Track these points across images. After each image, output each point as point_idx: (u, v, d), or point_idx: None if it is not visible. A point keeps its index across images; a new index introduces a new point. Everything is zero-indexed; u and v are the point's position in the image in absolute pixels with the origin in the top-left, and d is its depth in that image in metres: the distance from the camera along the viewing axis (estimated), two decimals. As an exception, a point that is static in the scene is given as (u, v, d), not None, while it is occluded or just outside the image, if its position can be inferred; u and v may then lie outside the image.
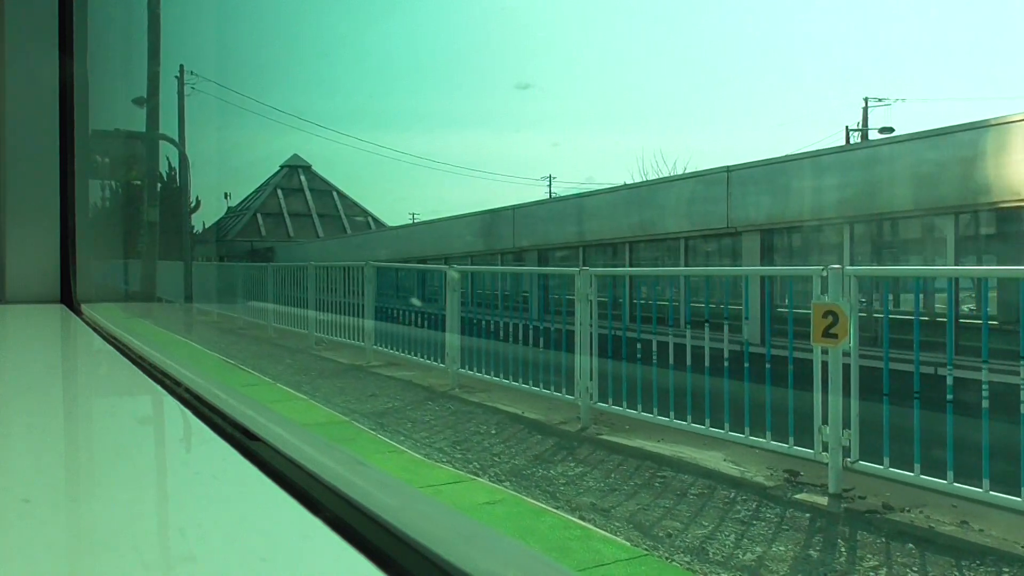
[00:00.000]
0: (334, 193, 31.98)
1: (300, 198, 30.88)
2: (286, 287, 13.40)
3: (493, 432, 5.99)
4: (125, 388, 1.17)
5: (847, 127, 27.28)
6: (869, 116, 27.05)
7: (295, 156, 31.96)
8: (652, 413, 5.69)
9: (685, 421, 5.44)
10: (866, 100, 27.08)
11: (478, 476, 4.90)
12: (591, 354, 6.30)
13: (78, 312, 1.99)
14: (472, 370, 7.64)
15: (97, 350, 1.51)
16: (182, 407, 0.95)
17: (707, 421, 5.29)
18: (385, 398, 7.45)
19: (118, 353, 1.42)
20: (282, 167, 31.49)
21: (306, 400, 7.36)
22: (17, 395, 1.05)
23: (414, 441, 5.76)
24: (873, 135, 25.63)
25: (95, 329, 1.72)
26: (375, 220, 31.61)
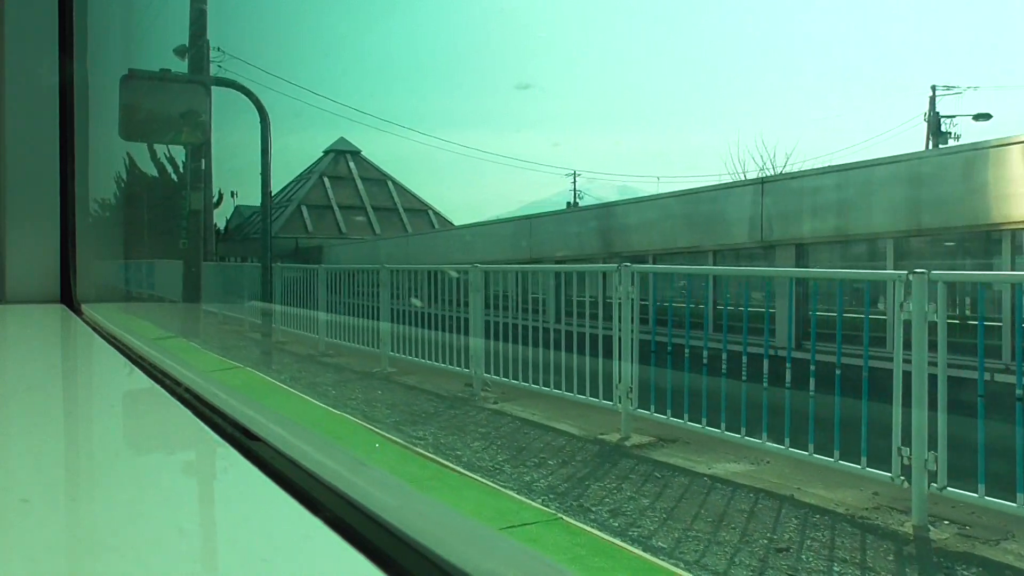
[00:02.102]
0: (389, 183, 27.26)
1: (350, 188, 26.21)
2: (350, 293, 10.83)
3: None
4: (125, 388, 1.17)
5: (929, 116, 23.05)
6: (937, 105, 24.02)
7: (342, 140, 27.24)
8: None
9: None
10: (933, 89, 23.35)
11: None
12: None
13: (78, 312, 1.99)
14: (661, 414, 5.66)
15: (97, 350, 1.51)
16: (182, 407, 0.95)
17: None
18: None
19: (118, 353, 1.42)
20: (327, 152, 27.09)
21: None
22: (17, 395, 1.05)
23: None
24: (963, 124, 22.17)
25: (95, 329, 1.72)
26: (436, 215, 26.90)
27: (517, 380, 6.85)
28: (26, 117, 2.02)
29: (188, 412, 0.92)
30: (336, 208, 25.42)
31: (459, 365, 7.58)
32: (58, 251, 2.07)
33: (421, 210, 26.80)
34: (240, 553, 0.53)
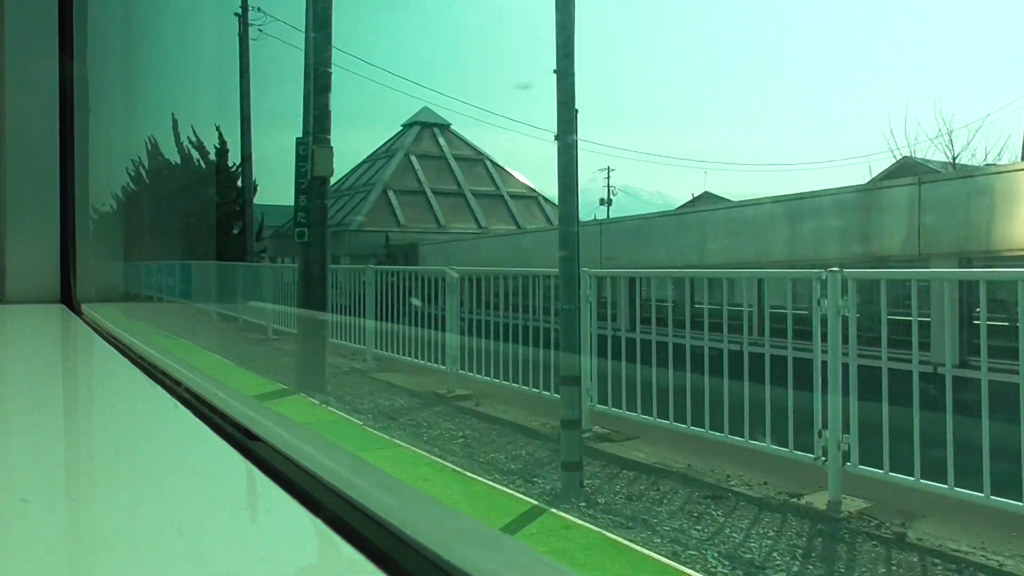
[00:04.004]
0: (486, 162, 21.78)
1: (443, 169, 20.66)
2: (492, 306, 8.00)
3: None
4: (125, 388, 1.17)
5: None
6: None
7: (425, 110, 21.87)
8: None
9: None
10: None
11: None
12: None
13: (78, 312, 1.99)
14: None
15: (97, 350, 1.51)
16: (182, 407, 0.95)
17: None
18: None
19: (118, 353, 1.42)
20: (407, 125, 21.49)
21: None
22: (17, 395, 1.05)
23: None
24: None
25: (95, 329, 1.72)
26: (546, 201, 21.11)
27: (683, 424, 5.05)
28: (26, 117, 2.02)
29: (188, 412, 0.92)
30: (430, 194, 19.81)
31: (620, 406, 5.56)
32: (58, 251, 2.07)
33: (529, 196, 21.54)
34: (240, 553, 0.52)
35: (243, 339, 12.05)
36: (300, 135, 7.96)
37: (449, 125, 22.05)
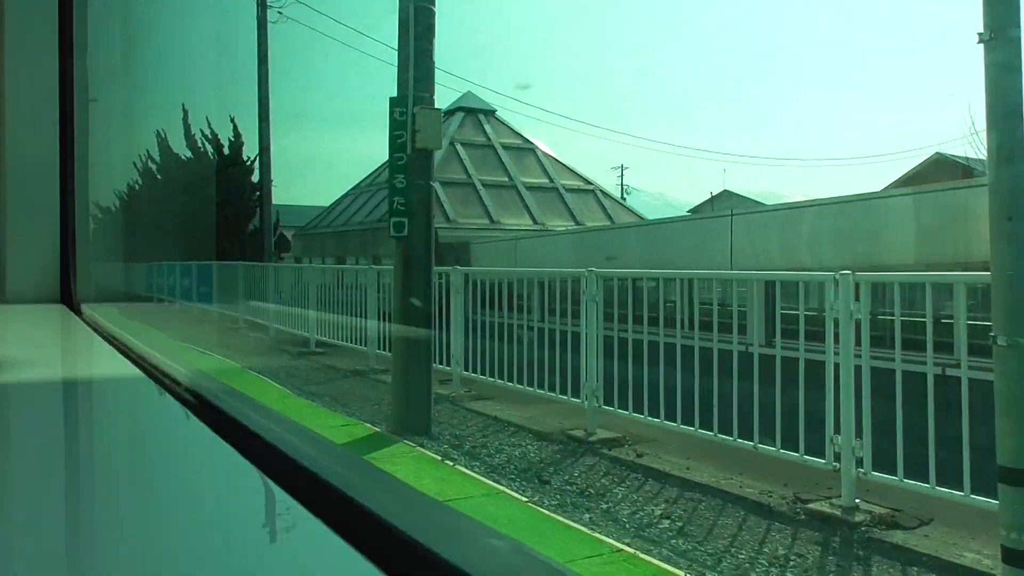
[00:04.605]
0: (536, 152, 19.52)
1: (490, 159, 18.42)
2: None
3: None
4: (125, 388, 1.17)
5: None
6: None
7: (469, 95, 19.69)
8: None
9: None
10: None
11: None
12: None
13: (78, 312, 1.99)
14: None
15: (97, 350, 1.51)
16: (182, 407, 0.95)
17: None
18: None
19: (118, 353, 1.42)
20: (448, 111, 18.58)
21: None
22: (17, 395, 1.05)
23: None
24: None
25: (95, 329, 1.72)
26: (603, 194, 19.43)
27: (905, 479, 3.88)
28: (26, 117, 2.02)
29: (188, 412, 0.92)
30: (479, 186, 17.62)
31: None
32: (58, 251, 2.07)
33: (585, 190, 19.15)
34: (240, 553, 0.53)
35: (285, 354, 10.41)
36: (394, 96, 5.95)
37: (495, 111, 19.75)
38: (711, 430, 4.80)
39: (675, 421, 5.05)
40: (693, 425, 4.91)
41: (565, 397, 5.93)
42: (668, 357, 5.20)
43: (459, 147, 18.26)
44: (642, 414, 5.30)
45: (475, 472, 4.85)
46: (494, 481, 4.65)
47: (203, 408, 0.93)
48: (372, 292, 9.25)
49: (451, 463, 5.01)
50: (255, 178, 18.91)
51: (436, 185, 15.93)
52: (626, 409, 5.42)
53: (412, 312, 6.09)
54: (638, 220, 17.53)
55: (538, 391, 6.28)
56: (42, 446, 0.80)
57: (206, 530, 0.56)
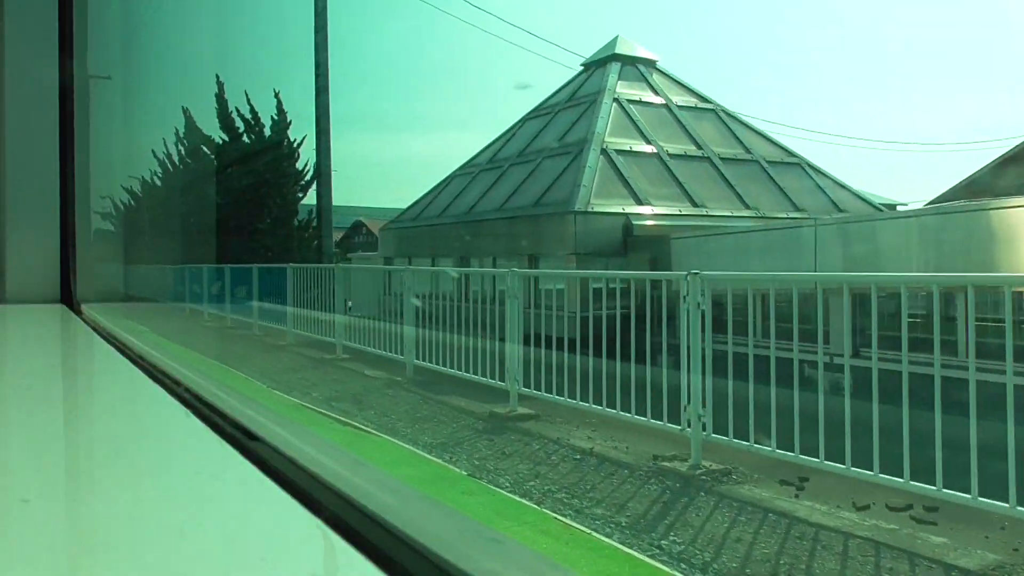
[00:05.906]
0: (719, 113, 14.49)
1: (665, 123, 13.60)
2: None
3: None
4: (125, 388, 1.17)
5: None
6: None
7: (620, 40, 14.46)
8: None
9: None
10: None
11: None
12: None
13: (78, 312, 1.99)
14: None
15: (97, 350, 1.51)
16: (182, 407, 0.95)
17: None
18: None
19: (118, 353, 1.42)
20: (595, 63, 14.60)
21: None
22: (17, 395, 1.05)
23: None
24: None
25: (95, 329, 1.72)
26: (811, 167, 14.19)
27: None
28: (26, 117, 2.02)
29: (188, 412, 0.92)
30: (667, 158, 12.74)
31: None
32: (58, 251, 2.07)
33: (788, 162, 14.10)
34: (240, 553, 0.52)
35: (368, 381, 8.02)
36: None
37: (656, 61, 14.65)
38: (865, 465, 3.90)
39: (820, 457, 4.14)
40: (839, 461, 3.98)
41: (645, 419, 5.07)
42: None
43: (630, 107, 13.38)
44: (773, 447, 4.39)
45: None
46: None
47: (203, 408, 0.93)
48: (515, 304, 6.68)
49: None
50: (299, 164, 17.59)
51: (613, 155, 12.09)
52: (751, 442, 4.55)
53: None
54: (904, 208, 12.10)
55: (612, 412, 5.20)
56: (42, 446, 0.80)
57: (205, 530, 0.56)
